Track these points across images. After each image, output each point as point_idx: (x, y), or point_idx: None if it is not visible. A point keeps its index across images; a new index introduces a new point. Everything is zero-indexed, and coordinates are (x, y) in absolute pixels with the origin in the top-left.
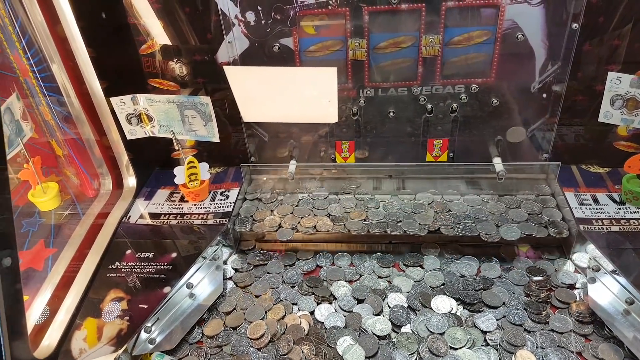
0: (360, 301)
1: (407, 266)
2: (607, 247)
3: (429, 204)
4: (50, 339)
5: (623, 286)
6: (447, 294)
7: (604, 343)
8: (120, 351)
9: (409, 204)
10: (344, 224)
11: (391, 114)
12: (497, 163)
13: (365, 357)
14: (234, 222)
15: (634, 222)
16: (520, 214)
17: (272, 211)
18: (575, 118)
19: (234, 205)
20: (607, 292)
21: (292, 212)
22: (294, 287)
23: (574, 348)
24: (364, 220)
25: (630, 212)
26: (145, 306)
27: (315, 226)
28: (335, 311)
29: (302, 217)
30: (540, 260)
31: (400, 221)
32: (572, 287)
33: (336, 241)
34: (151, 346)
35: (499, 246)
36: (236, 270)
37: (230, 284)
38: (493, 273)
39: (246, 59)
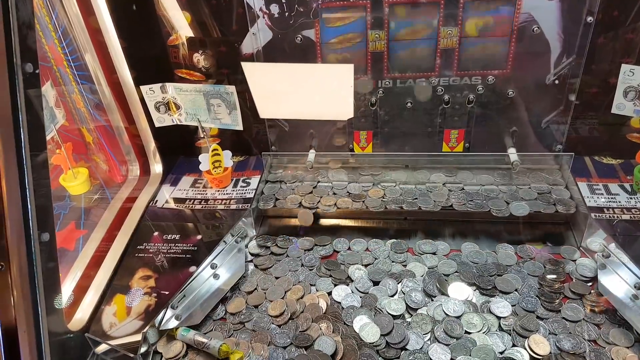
0: (375, 283)
1: (421, 254)
2: (618, 234)
3: (443, 184)
4: (83, 314)
5: (632, 272)
6: (463, 279)
7: (615, 328)
8: (148, 326)
9: (423, 183)
10: (363, 201)
11: (409, 104)
12: (512, 153)
13: (380, 335)
14: (257, 200)
15: None
16: (530, 193)
17: (293, 190)
18: (589, 110)
19: (255, 191)
20: (616, 277)
21: (311, 192)
22: (312, 269)
23: (587, 336)
24: (382, 197)
25: None
26: (172, 284)
27: (335, 204)
28: (352, 292)
29: (321, 197)
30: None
31: (416, 198)
32: (591, 280)
33: (355, 217)
34: (177, 322)
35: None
36: (255, 255)
37: (251, 266)
38: (509, 261)
39: (269, 50)
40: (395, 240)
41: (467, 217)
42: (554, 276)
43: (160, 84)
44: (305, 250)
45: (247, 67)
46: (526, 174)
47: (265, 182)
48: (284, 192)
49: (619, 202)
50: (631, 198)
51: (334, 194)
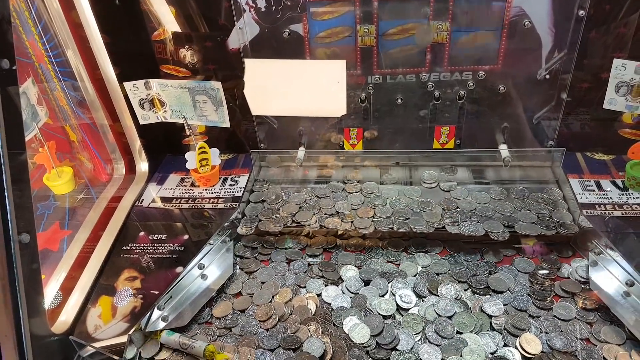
0: (366, 283)
1: (413, 253)
2: (609, 231)
3: (437, 203)
4: (67, 316)
5: (624, 269)
6: (455, 277)
7: (607, 326)
8: (134, 328)
9: (416, 201)
10: (352, 222)
11: (399, 100)
12: (503, 149)
13: (371, 336)
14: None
15: (636, 207)
16: (530, 216)
17: (277, 210)
18: (581, 106)
19: (243, 190)
20: (608, 275)
21: (297, 212)
22: (298, 273)
23: (579, 334)
24: (372, 217)
25: (633, 198)
26: (159, 285)
27: (323, 225)
28: (343, 293)
29: (309, 219)
30: (547, 254)
31: (408, 218)
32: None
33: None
34: (163, 323)
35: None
36: (240, 257)
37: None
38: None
39: (256, 45)
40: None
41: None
42: (546, 271)
43: (144, 81)
44: (290, 261)
45: (249, 64)
46: (518, 175)
47: (251, 192)
48: (267, 212)
49: (611, 198)
50: (622, 194)
51: (320, 209)
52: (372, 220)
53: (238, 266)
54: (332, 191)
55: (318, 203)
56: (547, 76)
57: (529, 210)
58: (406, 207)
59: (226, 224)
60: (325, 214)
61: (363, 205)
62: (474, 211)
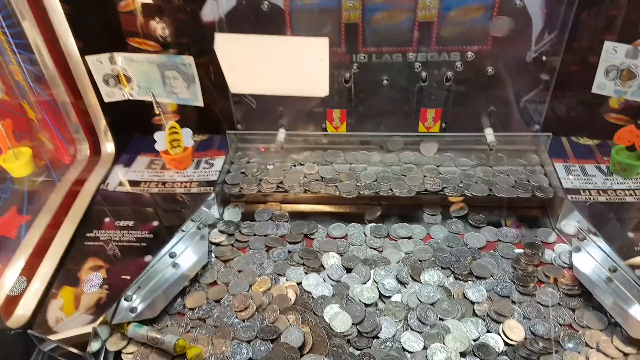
0: (348, 271)
1: (397, 239)
2: (593, 216)
3: (418, 167)
4: (25, 309)
5: (607, 254)
6: (438, 264)
7: (589, 312)
8: (99, 320)
9: (398, 167)
10: (336, 185)
11: (385, 81)
12: (489, 134)
13: (352, 324)
14: (223, 181)
15: (620, 193)
16: (508, 180)
17: (261, 180)
18: (568, 90)
19: (219, 174)
20: (591, 260)
21: (284, 177)
22: (277, 262)
23: (561, 320)
24: (356, 181)
25: (617, 183)
26: (126, 275)
27: (308, 189)
28: (324, 281)
29: (293, 184)
30: (526, 230)
31: (390, 182)
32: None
33: (327, 203)
34: (132, 315)
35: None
36: (216, 244)
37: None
38: (480, 243)
39: (233, 18)
40: (375, 224)
41: (443, 201)
42: (530, 250)
43: (108, 54)
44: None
45: (219, 38)
46: (504, 160)
47: (231, 163)
48: (250, 180)
49: (595, 183)
50: (607, 179)
51: (305, 177)
52: (356, 185)
53: (213, 254)
54: (315, 161)
55: (302, 169)
56: (537, 58)
57: (507, 176)
58: (390, 173)
59: (201, 209)
60: (309, 179)
61: (347, 172)
62: (455, 175)
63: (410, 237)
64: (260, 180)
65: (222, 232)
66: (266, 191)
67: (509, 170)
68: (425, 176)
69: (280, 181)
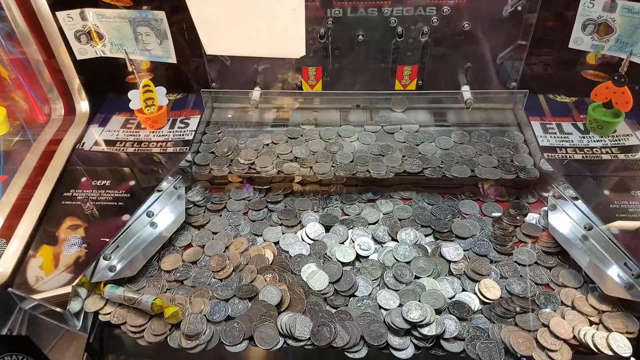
0: (327, 230)
1: (374, 200)
2: (569, 175)
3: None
4: (4, 268)
5: (583, 213)
6: (418, 222)
7: (564, 269)
8: (78, 279)
9: (376, 145)
10: (311, 167)
11: (360, 37)
12: (465, 91)
13: (329, 283)
14: (193, 159)
15: (596, 151)
16: (491, 160)
17: (232, 161)
18: (545, 47)
19: (194, 134)
20: (567, 219)
21: (256, 157)
22: (255, 222)
23: (539, 280)
24: (332, 162)
25: (594, 141)
26: (104, 234)
27: (281, 170)
28: (302, 240)
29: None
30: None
31: (368, 164)
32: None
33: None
34: (111, 273)
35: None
36: (194, 203)
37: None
38: (466, 208)
39: None
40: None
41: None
42: (514, 211)
43: (79, 10)
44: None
45: None
46: (480, 118)
47: (200, 142)
48: (220, 160)
49: (572, 141)
50: (583, 137)
51: (278, 156)
52: (332, 166)
53: (185, 222)
54: (290, 137)
55: (275, 149)
56: (513, 13)
57: (490, 155)
58: (367, 152)
59: (176, 168)
60: (283, 160)
61: (322, 151)
62: (435, 155)
63: (391, 197)
64: (232, 161)
65: (192, 202)
66: (237, 172)
67: (490, 148)
68: (404, 156)
69: (252, 162)
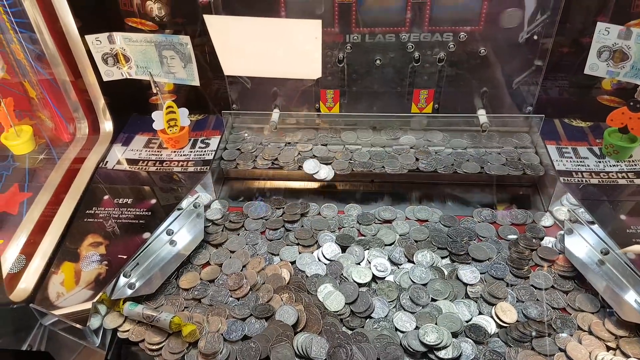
0: (343, 250)
1: (390, 221)
2: (586, 199)
3: (411, 148)
4: (27, 283)
5: (599, 237)
6: (434, 244)
7: (581, 294)
8: (98, 296)
9: (390, 145)
10: (330, 163)
11: (378, 62)
12: (482, 115)
13: (345, 303)
14: (220, 157)
15: (612, 175)
16: (499, 158)
17: (256, 156)
18: (560, 71)
19: (214, 154)
20: (583, 243)
21: (278, 154)
22: (272, 241)
23: (555, 304)
24: (350, 160)
25: (610, 166)
26: (124, 251)
27: (301, 165)
28: (318, 260)
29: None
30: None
31: (383, 160)
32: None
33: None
34: (130, 291)
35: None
36: (212, 222)
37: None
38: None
39: None
40: (363, 211)
41: (435, 178)
42: (530, 234)
43: (107, 34)
44: (269, 230)
45: (209, 20)
46: (496, 139)
47: (226, 143)
48: (246, 156)
49: (588, 165)
50: (599, 162)
51: (299, 154)
52: (350, 162)
53: (203, 239)
54: (309, 138)
55: (296, 147)
56: (529, 39)
57: (499, 154)
58: (384, 151)
59: (196, 187)
60: (303, 156)
61: (341, 151)
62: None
63: (407, 218)
64: (256, 157)
65: (211, 221)
66: (261, 167)
67: (500, 150)
68: (417, 159)
69: (275, 158)
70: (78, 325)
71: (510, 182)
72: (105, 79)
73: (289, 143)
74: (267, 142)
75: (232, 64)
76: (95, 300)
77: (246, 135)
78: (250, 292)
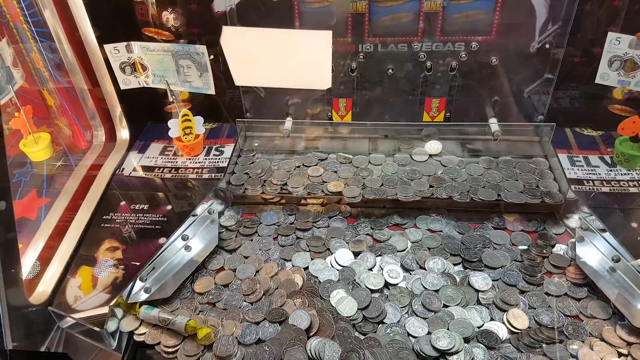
0: (355, 256)
1: (405, 227)
2: (597, 207)
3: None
4: (45, 286)
5: (610, 245)
6: (447, 250)
7: (593, 301)
8: (115, 300)
9: (403, 171)
10: (340, 191)
11: (390, 71)
12: (493, 123)
13: (358, 309)
14: (228, 180)
15: (623, 184)
16: (517, 185)
17: (265, 181)
18: (571, 81)
19: (228, 161)
20: (594, 250)
21: (288, 178)
22: (284, 247)
23: (568, 311)
24: (362, 187)
25: (621, 174)
26: (140, 256)
27: (311, 192)
28: (331, 266)
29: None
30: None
31: (396, 187)
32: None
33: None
34: (146, 295)
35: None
36: (226, 228)
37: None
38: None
39: (243, 9)
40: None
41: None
42: (542, 241)
43: (125, 43)
44: (280, 235)
45: (226, 31)
46: (507, 149)
47: (236, 164)
48: (254, 181)
49: (599, 174)
50: (611, 170)
51: (308, 178)
52: (362, 188)
53: (217, 245)
54: (319, 159)
55: (306, 171)
56: (540, 49)
57: (516, 180)
58: (395, 175)
59: (210, 194)
60: (312, 182)
61: (352, 176)
62: (465, 182)
63: (417, 227)
64: (265, 181)
65: (225, 227)
66: (270, 193)
67: (517, 174)
68: (432, 187)
69: (284, 182)
70: (95, 328)
71: (529, 210)
72: (122, 87)
73: (299, 166)
74: (276, 165)
75: (243, 74)
76: (112, 303)
77: (256, 144)
78: (264, 297)
